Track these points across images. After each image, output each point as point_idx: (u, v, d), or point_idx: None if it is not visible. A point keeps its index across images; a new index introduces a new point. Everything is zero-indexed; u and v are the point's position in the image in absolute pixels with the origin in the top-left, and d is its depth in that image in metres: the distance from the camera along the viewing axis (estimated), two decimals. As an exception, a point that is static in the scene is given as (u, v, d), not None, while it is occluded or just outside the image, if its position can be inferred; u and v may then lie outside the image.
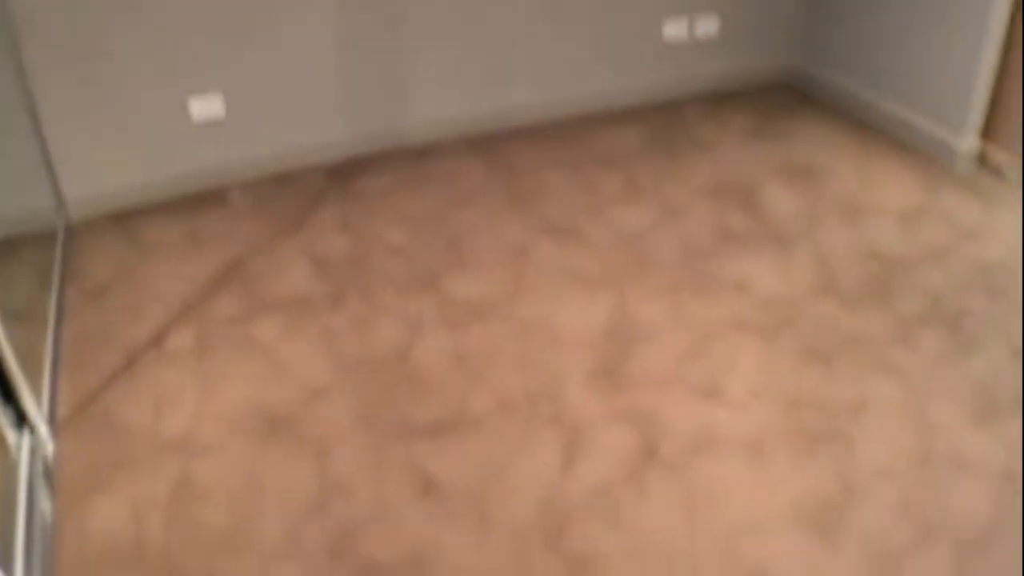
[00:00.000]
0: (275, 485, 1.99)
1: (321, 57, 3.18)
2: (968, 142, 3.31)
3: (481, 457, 2.06)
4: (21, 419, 1.99)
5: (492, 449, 2.08)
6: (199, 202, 3.10)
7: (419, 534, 1.87)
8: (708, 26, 3.89)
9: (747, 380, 2.27)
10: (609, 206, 3.02)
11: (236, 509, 1.93)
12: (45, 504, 1.91)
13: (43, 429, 2.06)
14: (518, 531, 1.87)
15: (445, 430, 2.13)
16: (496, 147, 3.43)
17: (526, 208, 3.02)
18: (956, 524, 1.88)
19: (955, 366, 2.32)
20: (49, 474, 2.01)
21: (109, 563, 1.81)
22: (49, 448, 2.07)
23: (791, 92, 4.02)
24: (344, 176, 3.24)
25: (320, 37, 3.14)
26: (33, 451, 1.98)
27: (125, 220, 3.00)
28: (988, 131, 3.32)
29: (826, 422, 2.15)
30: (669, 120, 3.65)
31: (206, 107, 3.05)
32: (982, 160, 3.35)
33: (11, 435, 1.95)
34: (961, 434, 2.11)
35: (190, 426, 2.14)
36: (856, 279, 2.64)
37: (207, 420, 2.16)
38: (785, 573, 1.79)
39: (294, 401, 2.22)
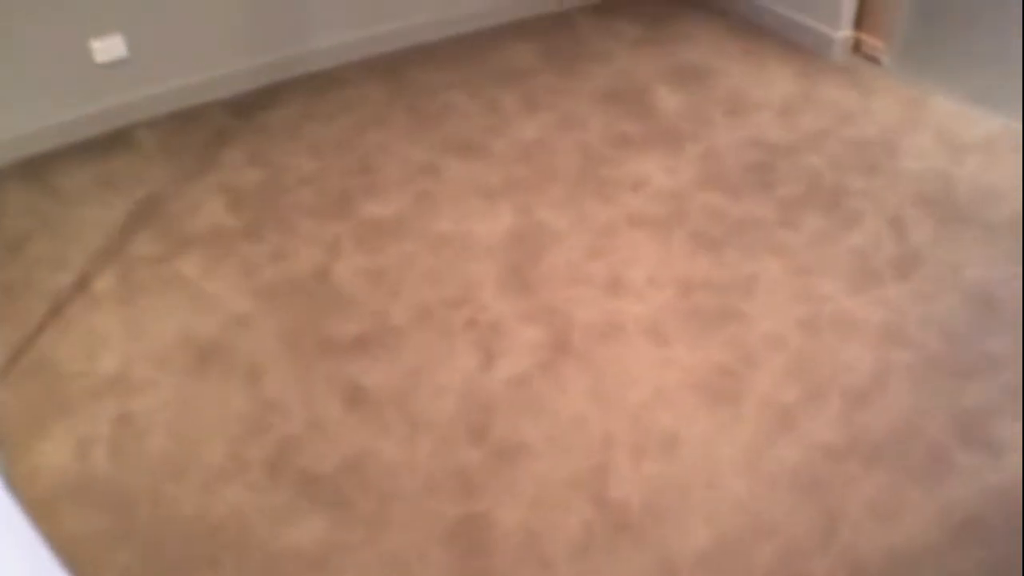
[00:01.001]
0: (211, 411, 2.10)
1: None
2: (843, 33, 3.49)
3: (405, 365, 2.20)
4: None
5: (414, 356, 2.22)
6: (108, 144, 3.12)
7: (352, 442, 2.01)
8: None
9: (645, 271, 2.44)
10: (510, 121, 3.13)
11: (176, 437, 2.04)
12: (-10, 452, 1.99)
13: (-22, 381, 2.13)
14: (444, 429, 2.03)
15: (368, 343, 2.26)
16: (398, 69, 3.50)
17: (431, 128, 3.12)
18: (843, 380, 2.10)
19: (836, 241, 2.52)
20: (-10, 424, 2.08)
21: (60, 500, 1.92)
22: (-14, 399, 2.14)
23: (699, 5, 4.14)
24: (250, 108, 3.28)
25: None
26: (-29, 402, 2.05)
27: (35, 167, 3.02)
28: (861, 21, 3.50)
29: (720, 301, 2.34)
30: (563, 33, 3.75)
31: (108, 48, 3.06)
32: (857, 49, 3.54)
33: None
34: (844, 301, 2.32)
35: (123, 365, 2.23)
36: (741, 169, 2.82)
37: (139, 357, 2.25)
38: (691, 436, 1.98)
39: (221, 330, 2.32)
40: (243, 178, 2.90)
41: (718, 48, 3.59)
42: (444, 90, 3.34)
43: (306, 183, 2.85)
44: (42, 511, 1.87)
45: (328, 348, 2.26)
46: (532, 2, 3.91)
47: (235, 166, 2.96)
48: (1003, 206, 2.62)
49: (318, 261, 2.54)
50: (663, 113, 3.14)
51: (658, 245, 2.54)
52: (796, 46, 3.61)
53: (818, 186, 2.74)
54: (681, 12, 3.94)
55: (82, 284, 2.49)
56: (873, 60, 3.48)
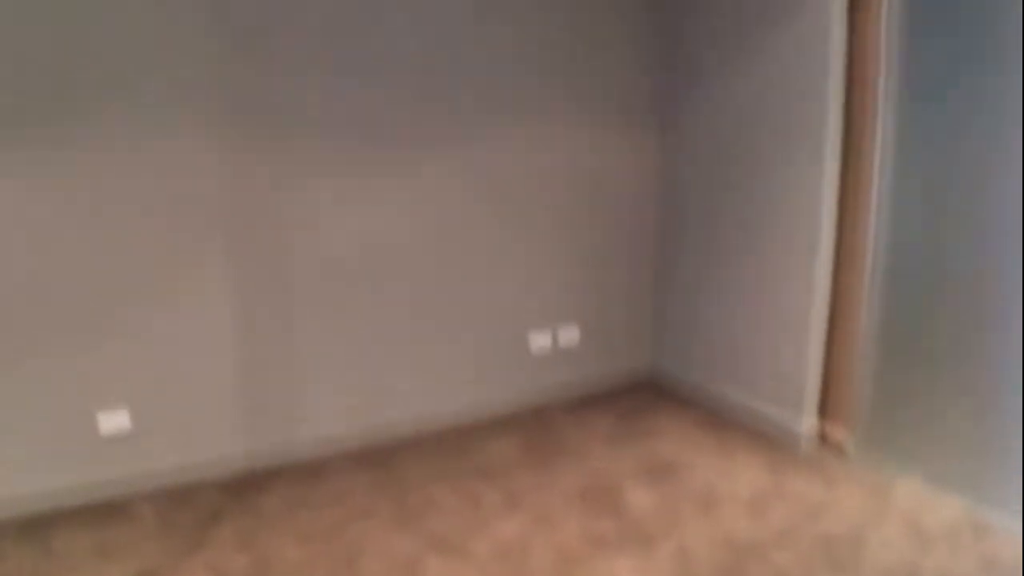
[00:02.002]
0: None
1: (220, 376, 3.46)
2: (808, 423, 3.70)
3: None
4: None
5: None
6: (107, 512, 3.22)
7: None
8: (570, 336, 4.33)
9: None
10: (489, 519, 3.23)
11: None
12: None
13: None
14: None
15: None
16: (385, 460, 3.67)
17: (415, 521, 3.20)
18: None
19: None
20: None
21: None
22: None
23: (649, 390, 4.44)
24: (244, 490, 3.41)
25: (220, 356, 3.45)
26: None
27: (35, 526, 3.10)
28: (825, 409, 3.73)
29: None
30: (540, 427, 3.98)
31: (114, 421, 3.27)
32: (822, 438, 3.73)
33: None
34: None
35: None
36: (711, 570, 2.87)
37: None
38: None
39: None
40: (231, 562, 2.94)
41: (689, 441, 3.79)
42: (429, 483, 3.47)
43: (293, 573, 2.89)
44: None
45: None
46: (511, 398, 4.19)
47: (225, 548, 3.02)
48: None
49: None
50: (636, 511, 3.24)
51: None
52: (764, 437, 3.81)
53: (789, 585, 2.78)
54: (652, 404, 4.21)
55: None
56: (838, 449, 3.65)
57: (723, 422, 4.00)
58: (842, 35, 3.37)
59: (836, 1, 3.33)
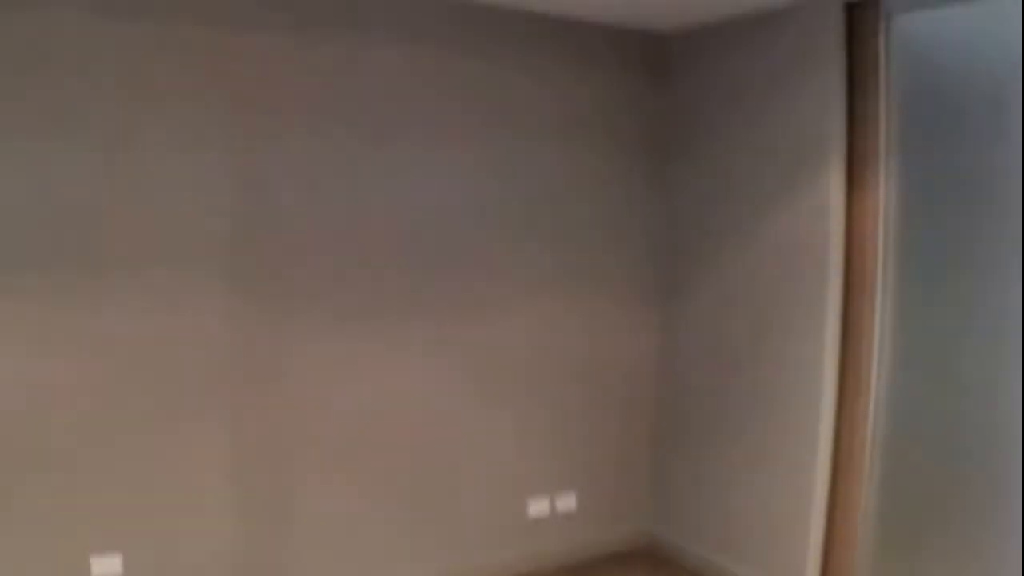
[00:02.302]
0: None
1: (217, 530, 3.36)
2: (811, 598, 3.52)
3: None
4: None
5: None
6: None
7: None
8: (567, 502, 4.20)
9: None
10: None
11: None
12: None
13: None
14: None
15: None
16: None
17: None
18: None
19: None
20: None
21: None
22: None
23: (649, 558, 4.25)
24: None
25: (215, 517, 3.36)
26: None
27: None
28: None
29: None
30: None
31: (106, 566, 3.16)
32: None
33: None
34: None
35: None
36: None
37: None
38: None
39: None
40: None
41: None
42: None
43: None
44: None
45: None
46: (508, 566, 4.04)
47: None
48: None
49: None
50: None
51: None
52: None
53: None
54: (650, 574, 4.03)
55: None
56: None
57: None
58: (841, 213, 3.44)
59: (835, 179, 3.42)
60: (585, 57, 4.02)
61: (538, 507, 4.13)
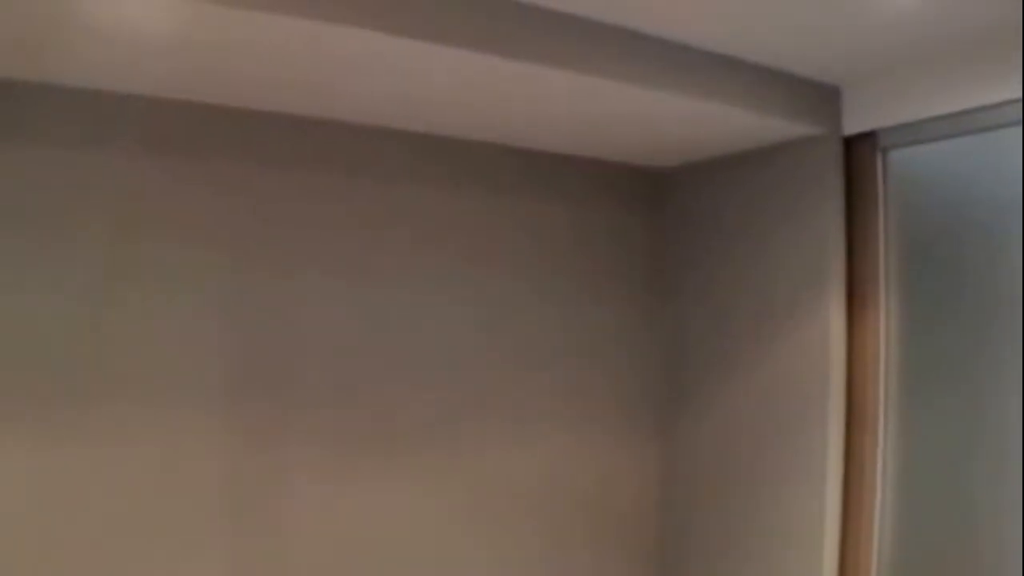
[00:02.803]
0: None
1: None
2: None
3: None
4: None
5: None
6: None
7: None
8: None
9: None
10: None
11: None
12: None
13: None
14: None
15: None
16: None
17: None
18: None
19: None
20: None
21: None
22: None
23: None
24: None
25: None
26: None
27: None
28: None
29: None
30: None
31: None
32: None
33: None
34: None
35: None
36: None
37: None
38: None
39: None
40: None
41: None
42: None
43: None
44: None
45: None
46: None
47: None
48: None
49: None
50: None
51: None
52: None
53: None
54: None
55: None
56: None
57: None
58: (842, 341, 3.40)
59: (835, 308, 3.39)
60: (576, 192, 4.00)
61: None
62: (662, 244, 4.21)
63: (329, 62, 2.68)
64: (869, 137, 3.38)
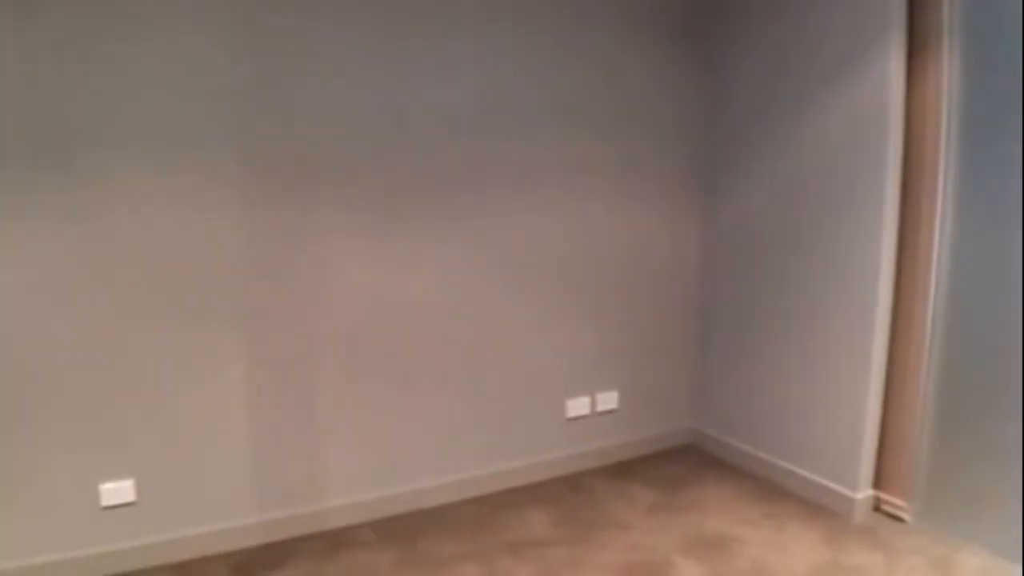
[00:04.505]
0: None
1: (232, 443, 3.26)
2: (863, 492, 3.48)
3: None
4: None
5: None
6: None
7: None
8: (608, 401, 4.14)
9: None
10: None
11: None
12: None
13: None
14: None
15: None
16: (410, 533, 3.45)
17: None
18: None
19: None
20: None
21: None
22: None
23: (693, 456, 4.23)
24: (253, 566, 3.18)
25: (232, 422, 3.25)
26: None
27: None
28: (880, 480, 3.51)
29: None
30: (577, 497, 3.77)
31: (117, 491, 3.08)
32: (878, 507, 3.50)
33: None
34: None
35: None
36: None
37: None
38: None
39: None
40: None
41: (737, 513, 3.57)
42: (455, 562, 3.24)
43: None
44: None
45: None
46: (545, 463, 4.00)
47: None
48: None
49: None
50: (684, 588, 3.03)
51: None
52: (816, 507, 3.59)
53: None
54: (697, 473, 3.99)
55: None
56: (896, 518, 3.42)
57: (773, 491, 3.77)
58: (901, 91, 3.24)
59: (895, 58, 3.20)
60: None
61: (577, 406, 4.08)
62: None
63: None
64: None
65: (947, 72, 3.14)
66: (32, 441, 2.92)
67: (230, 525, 3.32)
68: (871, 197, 3.31)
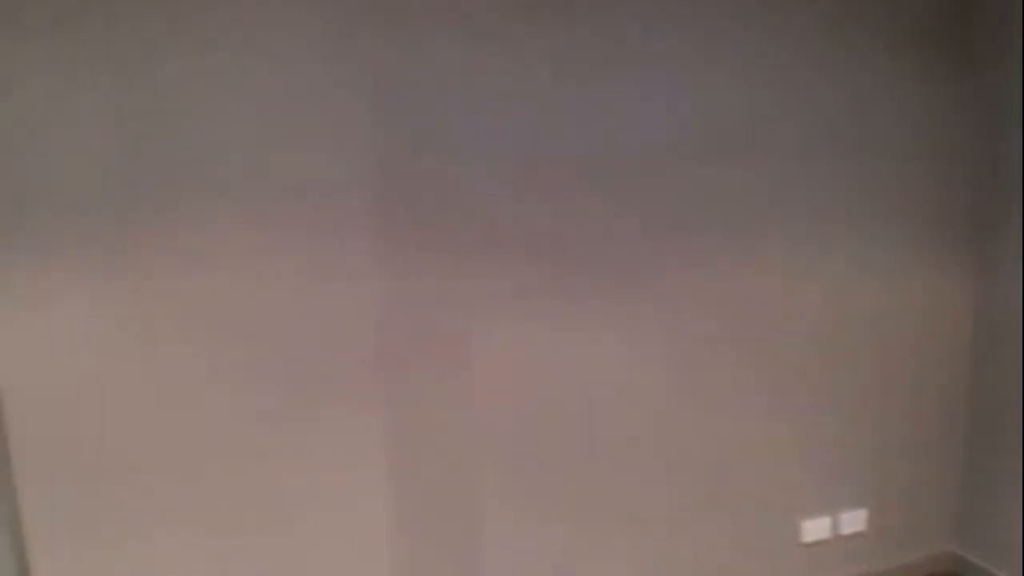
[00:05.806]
0: None
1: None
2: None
3: None
4: None
5: None
6: None
7: None
8: (854, 521, 3.21)
9: None
10: None
11: None
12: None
13: None
14: None
15: None
16: None
17: None
18: None
19: None
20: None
21: None
22: None
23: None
24: None
25: (374, 546, 2.51)
26: None
27: None
28: None
29: None
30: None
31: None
32: None
33: None
34: None
35: None
36: None
37: None
38: None
39: None
40: None
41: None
42: None
43: None
44: None
45: None
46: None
47: None
48: None
49: None
50: None
51: None
52: None
53: None
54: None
55: None
56: None
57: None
58: None
59: None
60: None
61: (815, 529, 3.17)
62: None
63: None
64: None
65: None
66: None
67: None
68: None
